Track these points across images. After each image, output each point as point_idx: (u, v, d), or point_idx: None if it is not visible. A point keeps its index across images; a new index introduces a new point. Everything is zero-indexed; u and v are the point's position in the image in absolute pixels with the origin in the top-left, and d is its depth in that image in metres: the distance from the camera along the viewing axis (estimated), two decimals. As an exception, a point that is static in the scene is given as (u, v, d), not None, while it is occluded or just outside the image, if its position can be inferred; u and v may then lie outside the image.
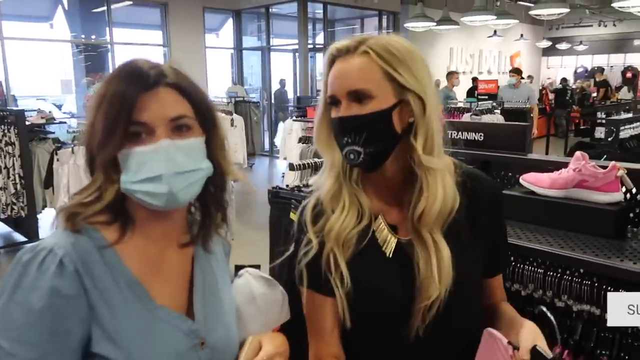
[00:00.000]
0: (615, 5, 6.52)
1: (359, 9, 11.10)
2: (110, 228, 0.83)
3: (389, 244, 0.98)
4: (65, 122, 5.86)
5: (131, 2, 9.82)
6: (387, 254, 0.98)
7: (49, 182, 4.18)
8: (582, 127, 11.03)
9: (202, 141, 0.85)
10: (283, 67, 12.32)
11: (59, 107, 10.70)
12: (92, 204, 0.81)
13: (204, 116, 0.86)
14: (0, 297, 0.76)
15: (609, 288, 1.28)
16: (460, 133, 1.84)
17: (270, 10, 10.92)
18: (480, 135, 1.79)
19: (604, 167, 1.40)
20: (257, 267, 1.08)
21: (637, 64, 14.95)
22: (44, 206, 4.76)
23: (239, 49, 11.57)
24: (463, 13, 9.14)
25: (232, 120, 7.07)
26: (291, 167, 1.94)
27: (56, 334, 0.75)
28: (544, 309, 1.22)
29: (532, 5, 9.54)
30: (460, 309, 0.97)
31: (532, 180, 1.53)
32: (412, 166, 0.96)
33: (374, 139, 0.92)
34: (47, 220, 4.84)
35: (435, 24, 9.32)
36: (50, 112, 5.29)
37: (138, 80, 0.80)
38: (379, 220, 0.99)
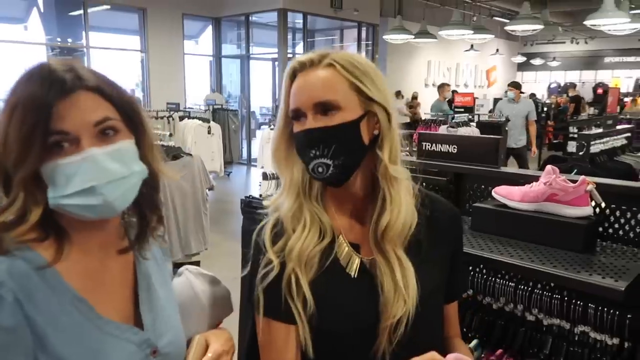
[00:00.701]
0: (587, 23, 6.71)
1: (338, 20, 11.17)
2: (44, 245, 0.76)
3: (352, 264, 0.95)
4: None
5: (109, 7, 9.70)
6: (352, 275, 0.95)
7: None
8: (554, 141, 11.27)
9: (132, 143, 0.80)
10: (262, 76, 12.31)
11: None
12: (16, 226, 0.73)
13: (130, 117, 0.81)
14: None
15: (578, 302, 1.29)
16: (434, 145, 1.85)
17: (250, 18, 10.91)
18: (454, 148, 1.80)
19: (574, 182, 1.42)
20: (197, 264, 1.06)
21: (607, 81, 15.40)
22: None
23: (218, 56, 11.53)
24: (441, 27, 9.29)
25: (209, 128, 7.02)
26: (264, 176, 1.92)
27: None
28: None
29: (507, 21, 9.75)
30: (425, 330, 0.95)
31: (503, 193, 1.53)
32: (374, 181, 0.96)
33: (343, 151, 0.90)
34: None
35: (413, 36, 9.46)
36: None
37: (53, 85, 0.73)
38: (340, 240, 0.96)
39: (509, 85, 7.37)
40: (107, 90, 0.78)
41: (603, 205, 1.45)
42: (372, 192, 0.97)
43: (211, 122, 7.38)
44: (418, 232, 0.96)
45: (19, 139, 0.71)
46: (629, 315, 1.22)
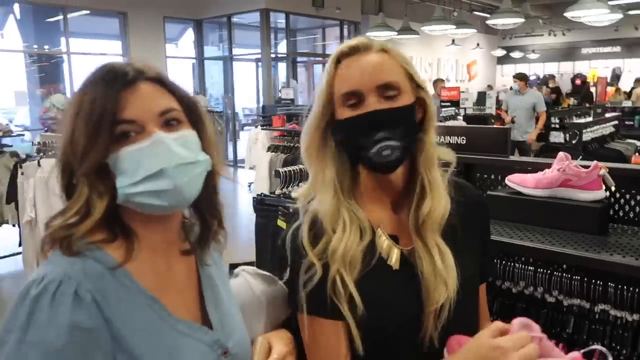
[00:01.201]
0: (567, 15, 6.84)
1: (320, 18, 11.20)
2: (113, 245, 0.76)
3: (393, 256, 0.95)
4: (22, 135, 5.62)
5: (88, 12, 9.58)
6: (394, 267, 0.95)
7: (11, 197, 3.99)
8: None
9: (195, 134, 0.81)
10: (245, 77, 12.28)
11: (10, 120, 10.28)
12: (80, 223, 0.73)
13: (191, 110, 0.82)
14: (6, 340, 0.67)
15: (598, 282, 1.34)
16: (442, 137, 1.88)
17: (232, 19, 10.88)
18: (463, 139, 1.84)
19: (586, 167, 1.47)
20: (252, 264, 1.06)
21: (585, 72, 15.70)
22: (2, 222, 4.54)
23: (200, 58, 11.46)
24: (422, 23, 9.38)
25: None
26: (277, 173, 1.93)
27: None
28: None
29: (488, 15, 9.89)
30: (466, 314, 0.96)
31: (517, 181, 1.58)
32: (411, 170, 0.98)
33: (406, 133, 0.92)
34: (4, 235, 4.65)
35: (396, 33, 9.52)
36: (7, 124, 5.08)
37: (116, 78, 0.75)
38: (379, 233, 0.96)
39: (514, 77, 7.16)
40: (167, 82, 0.80)
41: (613, 188, 1.51)
42: (409, 180, 0.98)
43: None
44: (452, 219, 0.97)
45: (86, 132, 0.72)
46: (648, 292, 1.28)
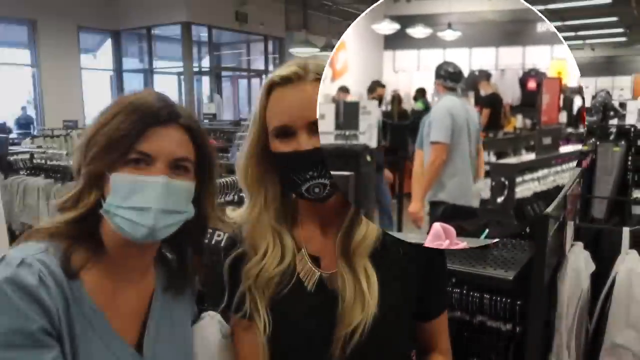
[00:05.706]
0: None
1: (244, 33, 11.18)
2: (77, 252, 0.81)
3: (311, 278, 0.94)
4: None
5: (-8, 18, 8.98)
6: (309, 288, 0.93)
7: None
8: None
9: (192, 186, 0.87)
10: (167, 91, 11.97)
11: None
12: (68, 211, 0.82)
13: (203, 164, 0.89)
14: None
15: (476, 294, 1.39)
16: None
17: (152, 31, 10.60)
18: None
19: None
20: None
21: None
22: None
23: (119, 70, 11.05)
24: (344, 40, 9.59)
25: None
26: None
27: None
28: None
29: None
30: (386, 342, 0.93)
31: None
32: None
33: (334, 170, 0.88)
34: None
35: (319, 50, 9.68)
36: None
37: (150, 114, 0.81)
38: (301, 254, 0.95)
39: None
40: (195, 133, 0.87)
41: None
42: (343, 203, 0.94)
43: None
44: (384, 244, 0.94)
45: (103, 143, 0.80)
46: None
